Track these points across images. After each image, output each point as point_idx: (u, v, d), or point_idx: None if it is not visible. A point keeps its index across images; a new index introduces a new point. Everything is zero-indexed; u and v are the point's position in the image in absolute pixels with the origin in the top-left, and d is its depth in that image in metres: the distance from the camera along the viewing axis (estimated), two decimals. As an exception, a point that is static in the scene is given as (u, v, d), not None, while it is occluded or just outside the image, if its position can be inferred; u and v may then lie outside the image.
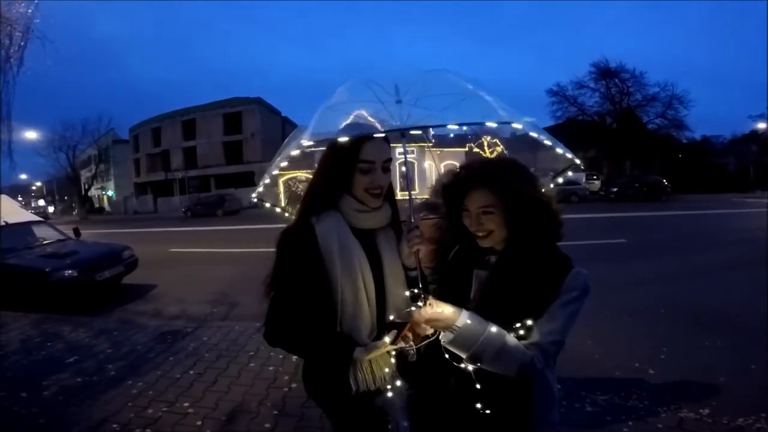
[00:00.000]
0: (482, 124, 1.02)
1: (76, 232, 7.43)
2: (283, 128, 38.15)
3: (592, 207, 16.58)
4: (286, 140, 1.33)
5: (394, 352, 1.12)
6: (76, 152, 36.47)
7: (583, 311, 1.05)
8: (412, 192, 1.24)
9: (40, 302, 5.36)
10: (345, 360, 1.10)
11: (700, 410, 2.45)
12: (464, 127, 1.11)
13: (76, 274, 5.58)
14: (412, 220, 1.17)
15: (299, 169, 1.44)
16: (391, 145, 1.20)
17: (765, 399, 2.54)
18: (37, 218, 7.65)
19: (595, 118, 31.93)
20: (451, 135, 1.11)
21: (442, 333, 1.02)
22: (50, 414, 2.75)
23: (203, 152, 36.49)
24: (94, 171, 38.85)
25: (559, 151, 1.15)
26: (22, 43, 5.55)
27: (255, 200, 1.41)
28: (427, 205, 1.65)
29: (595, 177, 26.11)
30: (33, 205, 50.88)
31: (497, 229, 1.10)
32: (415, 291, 1.09)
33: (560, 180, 1.25)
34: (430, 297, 1.06)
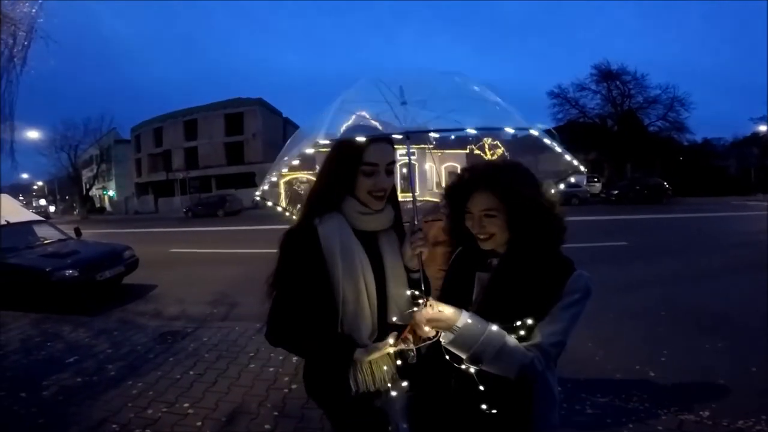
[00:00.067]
0: (501, 129, 1.03)
1: (77, 231, 7.45)
2: (284, 129, 38.23)
3: (593, 209, 16.57)
4: (288, 141, 1.33)
5: (394, 354, 1.12)
6: (77, 152, 36.56)
7: (584, 313, 1.05)
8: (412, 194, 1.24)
9: (40, 302, 5.37)
10: (345, 361, 1.10)
11: (701, 412, 2.45)
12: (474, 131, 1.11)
13: (76, 274, 5.58)
14: (416, 222, 1.18)
15: (300, 171, 1.44)
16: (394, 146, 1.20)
17: (765, 401, 2.54)
18: (38, 218, 7.65)
19: (597, 120, 31.95)
20: (452, 137, 1.11)
21: (442, 334, 1.02)
22: (50, 414, 2.75)
23: (204, 152, 36.54)
24: (95, 171, 38.89)
25: (567, 157, 1.15)
26: (25, 43, 5.55)
27: (258, 198, 1.42)
28: (437, 208, 1.65)
29: (596, 179, 26.10)
30: (34, 205, 50.85)
31: (499, 232, 1.10)
32: (416, 292, 1.09)
33: (561, 186, 1.26)
34: (431, 298, 1.06)
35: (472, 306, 1.10)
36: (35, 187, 63.25)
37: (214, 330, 4.20)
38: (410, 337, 1.09)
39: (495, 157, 1.55)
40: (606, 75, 30.33)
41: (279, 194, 1.54)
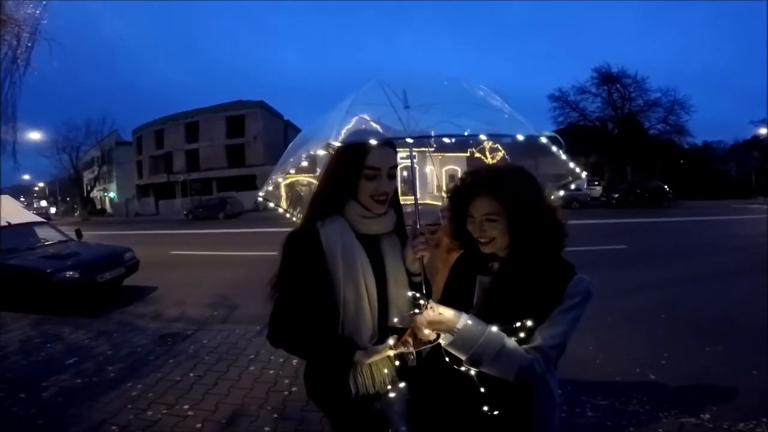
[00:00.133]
0: (513, 136, 1.03)
1: (78, 233, 7.46)
2: (285, 132, 38.32)
3: (593, 213, 16.58)
4: (291, 143, 1.34)
5: (394, 356, 1.12)
6: (79, 153, 36.68)
7: (584, 316, 1.06)
8: (412, 197, 1.25)
9: (41, 303, 5.37)
10: (345, 363, 1.10)
11: (701, 415, 2.45)
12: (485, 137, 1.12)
13: (77, 276, 5.59)
14: (418, 227, 1.18)
15: (303, 173, 1.46)
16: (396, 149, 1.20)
17: (765, 404, 2.53)
18: (39, 219, 7.66)
19: (597, 123, 32.03)
20: (453, 140, 1.12)
21: (442, 335, 1.03)
22: (49, 415, 2.74)
23: (205, 155, 36.62)
24: (96, 172, 38.93)
25: (571, 165, 1.16)
26: (29, 44, 5.57)
27: (261, 198, 1.43)
28: (435, 212, 1.65)
29: (596, 183, 26.10)
30: (35, 206, 51.02)
31: (500, 237, 1.10)
32: (417, 294, 1.10)
33: (561, 192, 1.26)
34: (431, 301, 1.07)
35: (473, 309, 1.10)
36: (36, 188, 63.37)
37: (215, 332, 4.19)
38: (410, 340, 1.09)
39: (495, 160, 1.56)
40: (606, 78, 30.43)
41: (280, 196, 1.55)
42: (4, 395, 3.03)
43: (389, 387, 1.13)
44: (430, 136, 1.08)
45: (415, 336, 1.08)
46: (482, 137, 1.01)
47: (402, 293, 1.18)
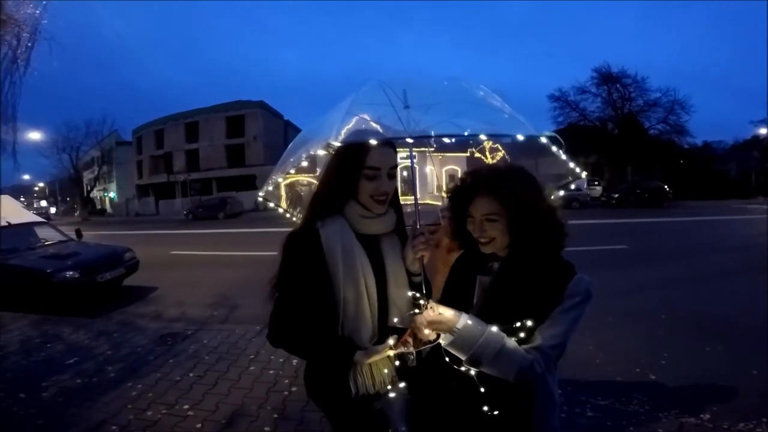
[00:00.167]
0: (513, 136, 1.03)
1: (78, 233, 7.46)
2: (285, 132, 38.32)
3: (593, 213, 16.58)
4: (291, 143, 1.34)
5: (394, 356, 1.12)
6: (79, 153, 36.66)
7: (584, 316, 1.06)
8: (412, 197, 1.25)
9: (41, 303, 5.37)
10: (345, 363, 1.11)
11: (701, 415, 2.45)
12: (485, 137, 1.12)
13: (77, 276, 5.59)
14: (418, 227, 1.18)
15: (303, 173, 1.46)
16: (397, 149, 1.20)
17: (765, 404, 2.53)
18: (39, 219, 7.67)
19: (597, 123, 32.01)
20: (453, 140, 1.12)
21: (442, 335, 1.03)
22: (49, 415, 2.75)
23: (205, 155, 36.61)
24: (96, 172, 38.94)
25: (571, 165, 1.16)
26: (29, 44, 5.57)
27: (261, 198, 1.43)
28: (435, 212, 1.65)
29: (596, 183, 26.11)
30: (35, 206, 51.00)
31: (500, 237, 1.10)
32: (417, 294, 1.10)
33: (561, 192, 1.26)
34: (431, 301, 1.07)
35: (473, 309, 1.10)
36: (36, 188, 63.39)
37: (215, 332, 4.19)
38: (410, 340, 1.09)
39: (495, 160, 1.56)
40: (606, 78, 30.42)
41: (280, 196, 1.55)
42: (4, 395, 3.03)
43: (389, 387, 1.13)
44: (430, 136, 1.08)
45: (415, 336, 1.08)
46: (482, 137, 1.01)
47: (402, 293, 1.18)
